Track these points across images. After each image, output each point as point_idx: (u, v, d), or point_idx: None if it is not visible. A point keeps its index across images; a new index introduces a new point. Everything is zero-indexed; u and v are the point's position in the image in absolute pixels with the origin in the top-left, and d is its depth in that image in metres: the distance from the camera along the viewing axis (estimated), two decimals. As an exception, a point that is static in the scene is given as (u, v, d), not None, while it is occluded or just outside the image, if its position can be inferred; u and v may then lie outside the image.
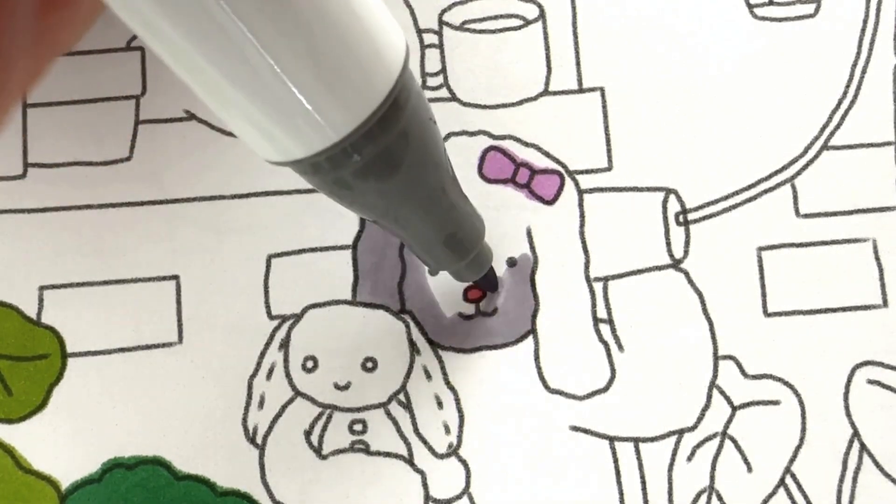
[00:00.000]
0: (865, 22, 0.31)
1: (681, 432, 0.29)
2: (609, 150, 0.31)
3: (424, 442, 0.29)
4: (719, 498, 0.29)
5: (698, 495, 0.29)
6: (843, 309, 0.30)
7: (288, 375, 0.29)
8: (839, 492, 0.29)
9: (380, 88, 0.20)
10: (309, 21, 0.18)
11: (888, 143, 0.31)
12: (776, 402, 0.29)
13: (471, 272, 0.27)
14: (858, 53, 0.31)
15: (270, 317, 0.30)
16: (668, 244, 0.30)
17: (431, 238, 0.25)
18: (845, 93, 0.31)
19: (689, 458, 0.29)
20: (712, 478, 0.29)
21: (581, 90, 0.31)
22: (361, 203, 0.23)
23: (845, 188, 0.30)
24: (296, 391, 0.29)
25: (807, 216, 0.30)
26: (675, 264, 0.30)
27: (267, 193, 0.30)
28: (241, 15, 0.17)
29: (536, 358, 0.29)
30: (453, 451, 0.29)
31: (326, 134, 0.20)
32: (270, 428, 0.29)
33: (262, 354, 0.30)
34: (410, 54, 0.31)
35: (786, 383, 0.29)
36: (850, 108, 0.31)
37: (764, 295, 0.30)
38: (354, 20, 0.19)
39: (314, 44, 0.18)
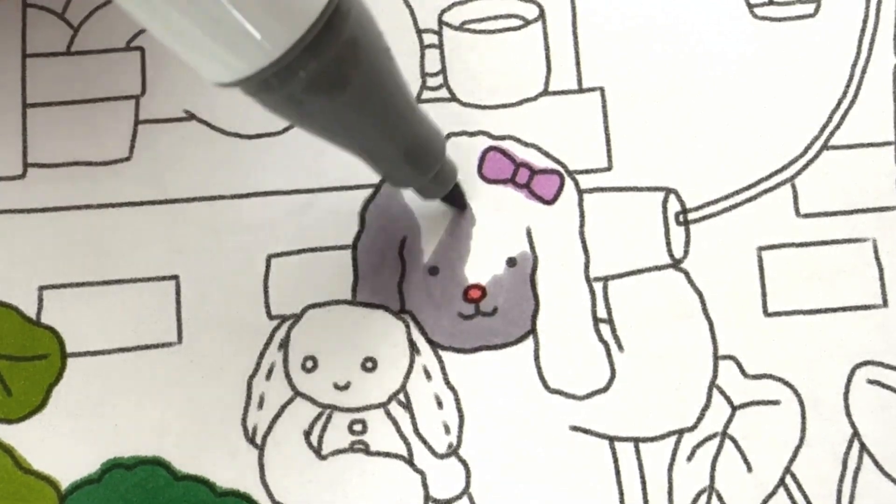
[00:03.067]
0: (865, 22, 0.31)
1: (681, 432, 0.29)
2: (609, 150, 0.31)
3: (424, 442, 0.29)
4: (719, 498, 0.29)
5: (698, 495, 0.29)
6: (843, 309, 0.30)
7: (287, 375, 0.29)
8: (839, 492, 0.29)
9: None
10: None
11: (888, 143, 0.31)
12: (776, 402, 0.29)
13: (436, 188, 0.28)
14: (858, 53, 0.31)
15: (270, 317, 0.30)
16: (668, 244, 0.30)
17: (393, 153, 0.25)
18: (845, 93, 0.31)
19: (689, 458, 0.29)
20: (712, 478, 0.29)
21: (581, 90, 0.31)
22: (321, 121, 0.23)
23: (845, 188, 0.30)
24: (295, 391, 0.29)
25: (807, 216, 0.30)
26: (675, 264, 0.30)
27: (267, 193, 0.30)
28: None
29: (536, 358, 0.29)
30: (453, 451, 0.29)
31: (269, 49, 0.20)
32: (270, 428, 0.29)
33: (262, 354, 0.30)
34: (411, 55, 0.31)
35: (786, 383, 0.29)
36: (850, 108, 0.31)
37: (764, 295, 0.30)
38: None
39: None
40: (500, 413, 0.29)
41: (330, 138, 0.24)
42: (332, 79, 0.22)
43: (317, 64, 0.21)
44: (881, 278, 0.30)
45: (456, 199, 0.29)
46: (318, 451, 0.29)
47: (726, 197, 0.30)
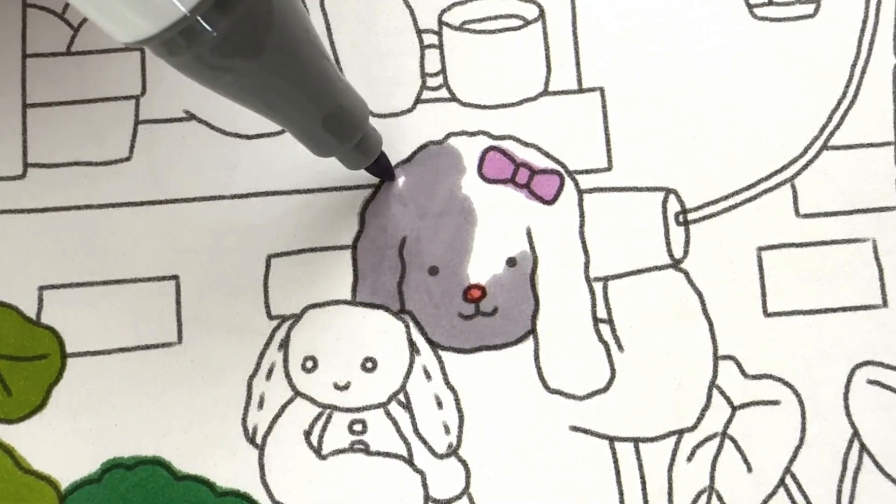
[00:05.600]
0: (865, 22, 0.31)
1: (681, 432, 0.29)
2: (609, 150, 0.31)
3: (424, 442, 0.29)
4: (719, 498, 0.29)
5: (698, 495, 0.29)
6: (843, 309, 0.30)
7: (288, 375, 0.29)
8: (839, 492, 0.29)
9: None
10: None
11: (888, 143, 0.31)
12: (776, 402, 0.29)
13: (359, 158, 0.28)
14: (858, 53, 0.31)
15: (270, 317, 0.30)
16: (668, 244, 0.30)
17: (309, 120, 0.25)
18: (845, 93, 0.31)
19: (689, 458, 0.29)
20: (712, 478, 0.29)
21: (581, 90, 0.31)
22: (235, 86, 0.23)
23: (845, 188, 0.30)
24: (295, 391, 0.29)
25: (807, 216, 0.30)
26: (675, 264, 0.30)
27: (267, 193, 0.30)
28: None
29: (536, 358, 0.29)
30: (453, 451, 0.29)
31: (173, 6, 0.20)
32: (270, 428, 0.29)
33: (262, 354, 0.30)
34: (411, 55, 0.31)
35: (786, 383, 0.29)
36: (850, 108, 0.31)
37: (764, 295, 0.30)
38: None
39: None
40: (500, 413, 0.29)
41: (247, 104, 0.24)
42: (245, 40, 0.21)
43: (227, 22, 0.20)
44: (881, 278, 0.30)
45: (382, 170, 0.29)
46: (318, 451, 0.29)
47: (726, 197, 0.30)
